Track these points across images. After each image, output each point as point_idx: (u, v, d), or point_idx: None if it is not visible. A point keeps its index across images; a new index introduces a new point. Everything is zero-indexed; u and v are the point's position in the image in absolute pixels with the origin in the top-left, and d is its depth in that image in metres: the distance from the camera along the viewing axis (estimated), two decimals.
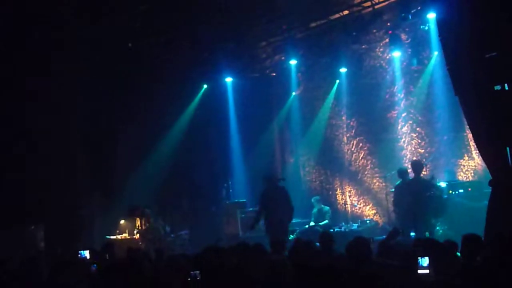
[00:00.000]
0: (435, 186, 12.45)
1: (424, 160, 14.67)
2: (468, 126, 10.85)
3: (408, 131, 15.58)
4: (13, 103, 13.85)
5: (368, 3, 13.67)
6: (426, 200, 12.06)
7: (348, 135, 16.92)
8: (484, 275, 5.22)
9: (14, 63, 13.70)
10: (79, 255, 9.91)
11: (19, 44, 13.29)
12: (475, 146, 11.49)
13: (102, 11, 12.50)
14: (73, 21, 12.68)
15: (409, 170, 13.05)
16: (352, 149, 16.81)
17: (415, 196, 12.04)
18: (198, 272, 6.24)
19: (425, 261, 6.12)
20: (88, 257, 9.75)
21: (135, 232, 14.28)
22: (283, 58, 16.56)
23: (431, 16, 12.84)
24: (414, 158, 14.37)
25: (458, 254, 7.39)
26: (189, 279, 6.25)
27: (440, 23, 9.88)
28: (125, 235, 14.50)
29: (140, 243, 13.87)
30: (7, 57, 13.41)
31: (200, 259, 6.89)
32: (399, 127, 15.73)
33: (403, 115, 15.68)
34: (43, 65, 14.07)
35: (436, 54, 14.35)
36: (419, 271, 6.09)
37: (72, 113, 14.93)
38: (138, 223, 14.22)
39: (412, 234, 12.13)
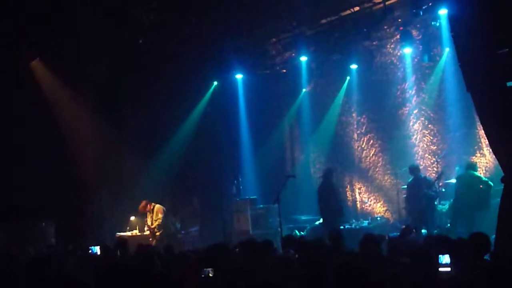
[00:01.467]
0: (485, 181, 12.69)
1: (436, 157, 14.65)
2: (480, 123, 10.77)
3: (420, 128, 15.49)
4: (23, 100, 13.97)
5: None
6: (475, 194, 12.48)
7: (358, 132, 16.87)
8: (494, 274, 5.17)
9: (20, 55, 13.83)
10: (89, 251, 9.95)
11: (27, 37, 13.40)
12: (487, 143, 11.40)
13: (113, 6, 12.52)
14: (85, 15, 12.71)
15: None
16: (363, 146, 16.75)
17: (466, 189, 12.53)
18: (210, 269, 6.23)
19: (444, 258, 6.07)
20: (98, 252, 9.79)
21: (145, 228, 14.30)
22: (293, 54, 16.50)
23: (443, 12, 12.73)
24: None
25: None
26: (202, 275, 6.24)
27: (452, 19, 9.80)
28: (136, 231, 14.54)
29: (151, 239, 13.91)
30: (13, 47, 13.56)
31: (208, 256, 6.89)
32: (411, 124, 15.65)
33: (415, 111, 15.59)
34: (52, 58, 14.18)
35: (447, 51, 14.24)
36: (440, 269, 6.04)
37: (83, 108, 15.02)
38: (148, 219, 14.24)
39: (423, 231, 12.09)
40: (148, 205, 14.16)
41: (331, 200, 13.59)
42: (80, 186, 14.91)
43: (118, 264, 6.82)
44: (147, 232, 14.18)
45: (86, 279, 6.87)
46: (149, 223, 14.22)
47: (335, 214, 13.51)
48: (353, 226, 14.61)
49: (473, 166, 12.99)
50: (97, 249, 9.98)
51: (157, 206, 14.21)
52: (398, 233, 11.17)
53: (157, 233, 14.05)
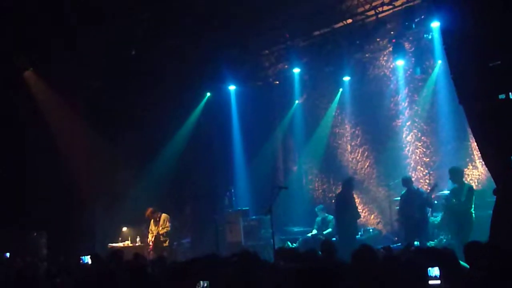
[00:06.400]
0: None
1: (429, 169, 14.68)
2: (472, 135, 10.81)
3: (413, 140, 15.52)
4: (16, 110, 13.95)
5: (372, 12, 13.68)
6: None
7: (353, 143, 16.88)
8: (492, 285, 5.17)
9: (16, 66, 13.82)
10: (81, 261, 9.91)
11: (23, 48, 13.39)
12: (479, 155, 11.43)
13: (106, 18, 12.52)
14: (78, 26, 12.70)
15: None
16: (358, 157, 16.75)
17: None
18: (206, 281, 6.17)
19: (434, 271, 6.04)
20: (90, 262, 9.75)
21: (149, 234, 14.21)
22: (286, 66, 16.56)
23: (435, 25, 12.82)
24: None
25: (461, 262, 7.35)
26: (197, 287, 6.19)
27: (444, 32, 9.86)
28: (128, 242, 14.50)
29: (150, 247, 13.92)
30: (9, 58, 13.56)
31: (203, 267, 6.86)
32: (404, 136, 15.67)
33: (408, 124, 15.63)
34: (48, 70, 14.18)
35: (439, 63, 14.31)
36: (430, 282, 6.01)
37: (76, 120, 15.00)
38: (153, 226, 14.14)
39: (416, 243, 12.07)
40: (155, 213, 14.12)
41: (347, 214, 13.29)
42: (73, 197, 14.86)
43: (109, 274, 6.77)
44: (151, 238, 14.10)
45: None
46: (153, 229, 14.13)
47: (353, 234, 13.28)
48: None
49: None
50: (87, 259, 9.94)
51: (164, 215, 14.18)
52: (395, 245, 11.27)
53: (162, 239, 13.98)
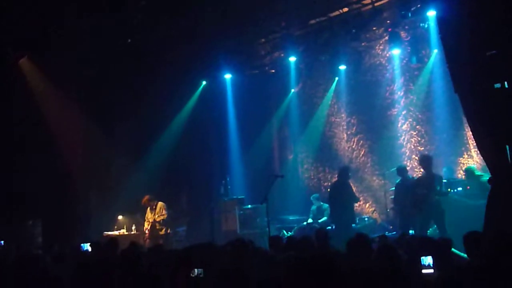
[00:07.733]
0: None
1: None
2: (467, 124, 10.83)
3: (408, 129, 15.55)
4: (11, 99, 13.91)
5: (368, 1, 13.62)
6: None
7: (349, 132, 16.89)
8: (485, 273, 5.18)
9: (12, 56, 13.75)
10: (80, 249, 9.93)
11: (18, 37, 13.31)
12: (475, 144, 11.46)
13: (102, 5, 12.43)
14: (73, 14, 12.63)
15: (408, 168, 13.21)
16: (353, 146, 16.77)
17: None
18: (200, 269, 6.18)
19: (427, 260, 6.05)
20: (89, 250, 9.77)
21: (145, 223, 14.25)
22: (282, 55, 16.50)
23: (431, 14, 12.81)
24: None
25: (453, 250, 7.39)
26: (192, 275, 6.20)
27: (440, 21, 9.85)
28: (123, 230, 14.52)
29: (146, 235, 13.95)
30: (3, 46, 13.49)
31: (197, 255, 6.86)
32: (399, 125, 15.70)
33: (403, 113, 15.65)
34: (43, 58, 14.11)
35: (435, 52, 14.32)
36: (423, 271, 6.02)
37: (71, 108, 14.95)
38: (149, 214, 14.16)
39: (411, 232, 12.12)
40: (151, 201, 14.13)
41: (343, 202, 13.23)
42: (68, 186, 14.85)
43: (109, 262, 6.77)
44: (147, 225, 14.13)
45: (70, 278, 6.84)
46: (149, 217, 14.14)
47: (349, 222, 13.19)
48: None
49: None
50: (87, 247, 9.97)
51: (160, 203, 14.18)
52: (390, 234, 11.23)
53: (158, 227, 14.02)
